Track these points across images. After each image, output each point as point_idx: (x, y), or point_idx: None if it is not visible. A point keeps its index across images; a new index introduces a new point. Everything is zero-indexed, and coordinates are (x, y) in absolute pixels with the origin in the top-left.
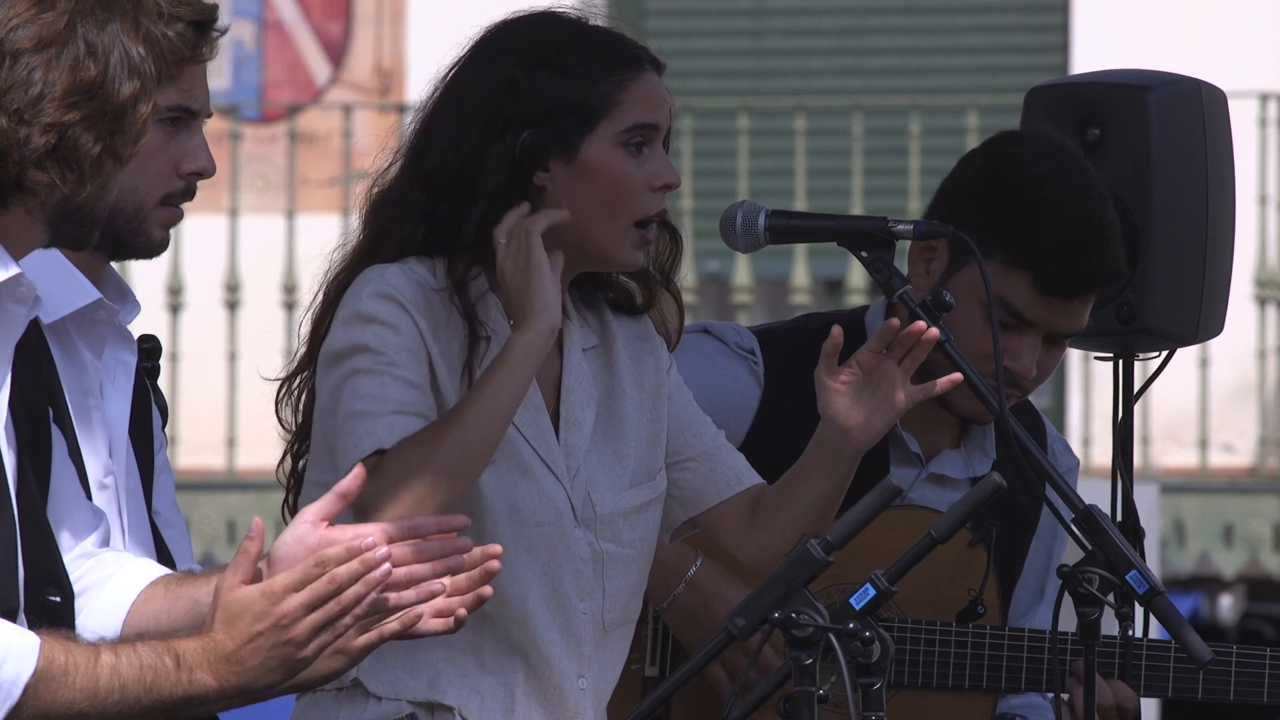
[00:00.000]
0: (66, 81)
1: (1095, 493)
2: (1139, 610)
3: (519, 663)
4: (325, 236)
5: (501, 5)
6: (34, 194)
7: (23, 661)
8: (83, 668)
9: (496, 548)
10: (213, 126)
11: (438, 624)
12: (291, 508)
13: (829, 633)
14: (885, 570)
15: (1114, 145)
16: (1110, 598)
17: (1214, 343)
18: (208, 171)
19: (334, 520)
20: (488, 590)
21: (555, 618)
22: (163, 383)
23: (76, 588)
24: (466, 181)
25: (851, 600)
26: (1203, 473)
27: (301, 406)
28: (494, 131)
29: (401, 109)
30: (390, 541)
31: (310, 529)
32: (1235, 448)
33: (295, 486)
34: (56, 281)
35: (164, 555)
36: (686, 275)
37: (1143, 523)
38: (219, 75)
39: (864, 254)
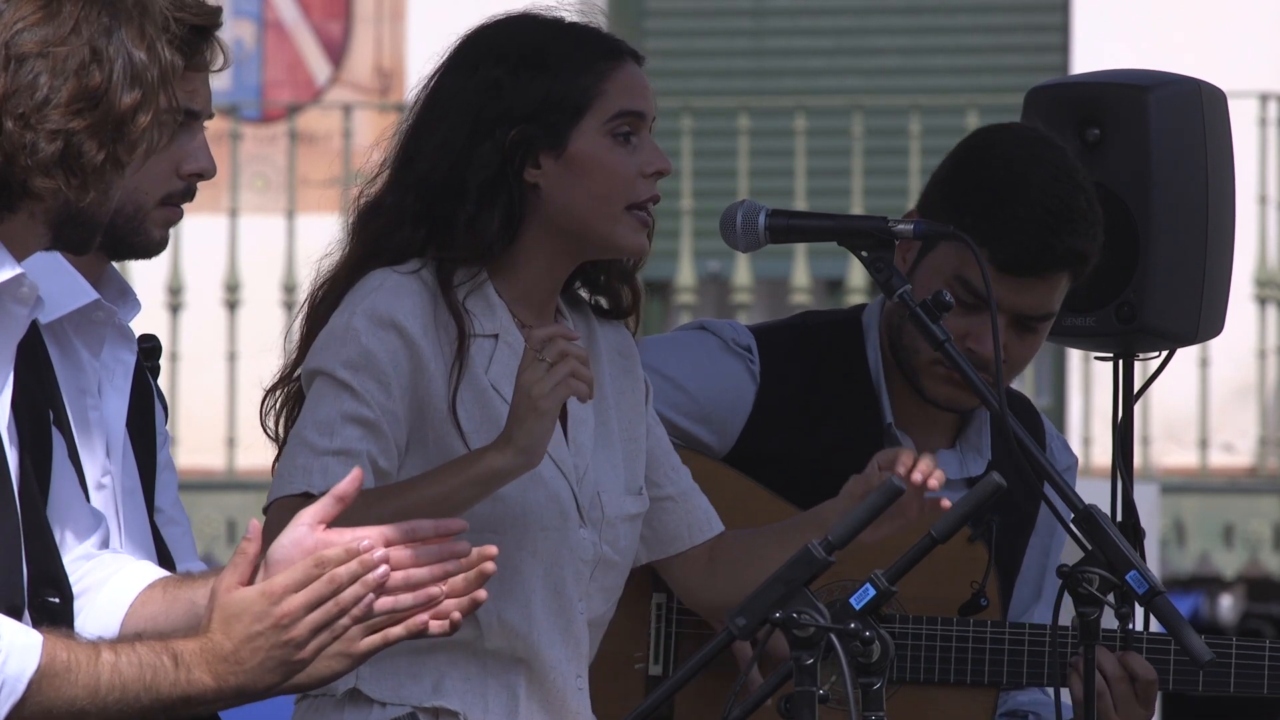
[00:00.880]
0: (72, 88)
1: (1095, 493)
2: (1139, 610)
3: (522, 666)
4: (325, 236)
5: (501, 5)
6: (39, 199)
7: (26, 658)
8: (84, 665)
9: (492, 549)
10: (213, 126)
11: (435, 625)
12: None
13: (830, 633)
14: (885, 570)
15: (1114, 145)
16: (1110, 598)
17: (1214, 343)
18: (208, 173)
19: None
20: (482, 594)
21: (557, 620)
22: (163, 383)
23: (75, 589)
24: (458, 183)
25: (852, 600)
26: (1203, 473)
27: (285, 418)
28: (481, 131)
29: (401, 109)
30: (388, 545)
31: (307, 531)
32: (1235, 448)
33: None
34: (54, 282)
35: (164, 554)
36: (686, 275)
37: (1143, 523)
38: (219, 75)
39: (864, 254)
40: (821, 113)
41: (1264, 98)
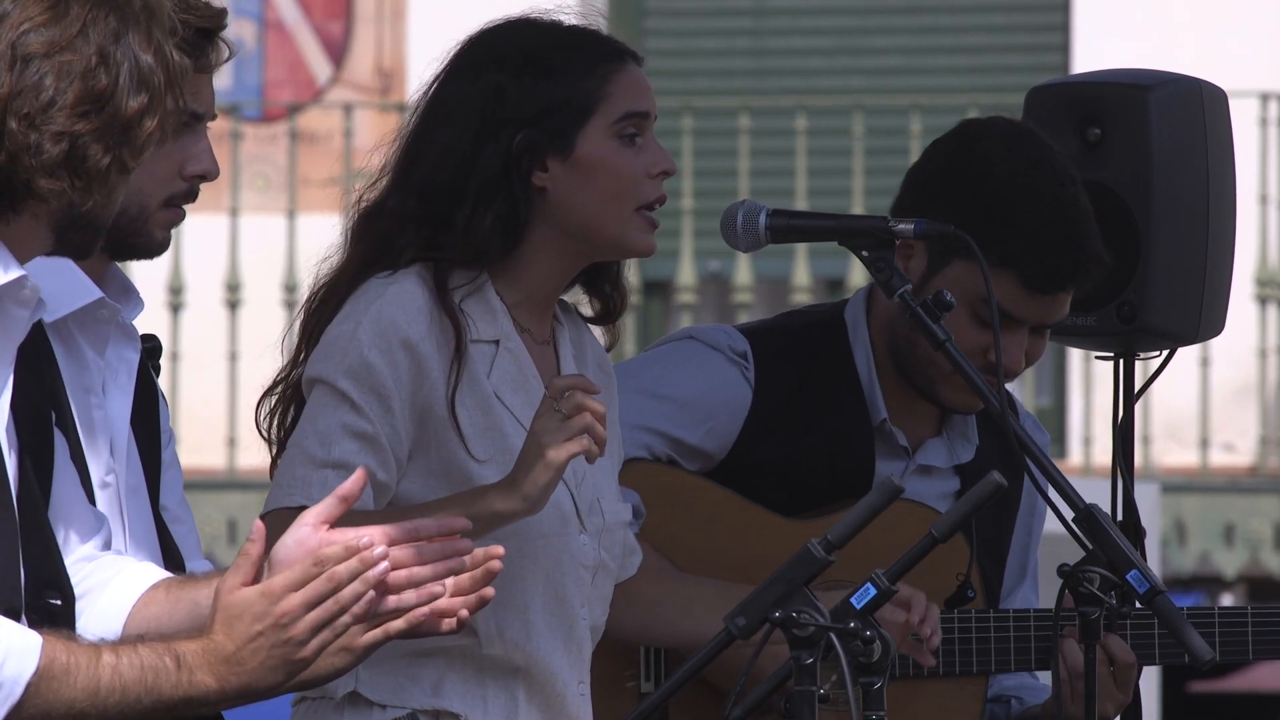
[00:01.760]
0: (78, 90)
1: (1096, 492)
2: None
3: (521, 674)
4: (326, 236)
5: (500, 6)
6: (43, 200)
7: (25, 660)
8: (84, 667)
9: (498, 549)
10: (213, 126)
11: (438, 624)
12: None
13: (830, 632)
14: (885, 570)
15: (1114, 145)
16: (1111, 597)
17: (1214, 342)
18: (211, 175)
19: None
20: (490, 592)
21: (558, 627)
22: (163, 383)
23: (77, 590)
24: (460, 188)
25: (852, 600)
26: (1203, 472)
27: (280, 422)
28: (485, 137)
29: (402, 109)
30: (390, 543)
31: (310, 531)
32: (1236, 447)
33: None
34: (58, 280)
35: (170, 552)
36: (687, 275)
37: (1143, 522)
38: (219, 75)
39: (865, 253)
40: (822, 112)
41: (1264, 98)
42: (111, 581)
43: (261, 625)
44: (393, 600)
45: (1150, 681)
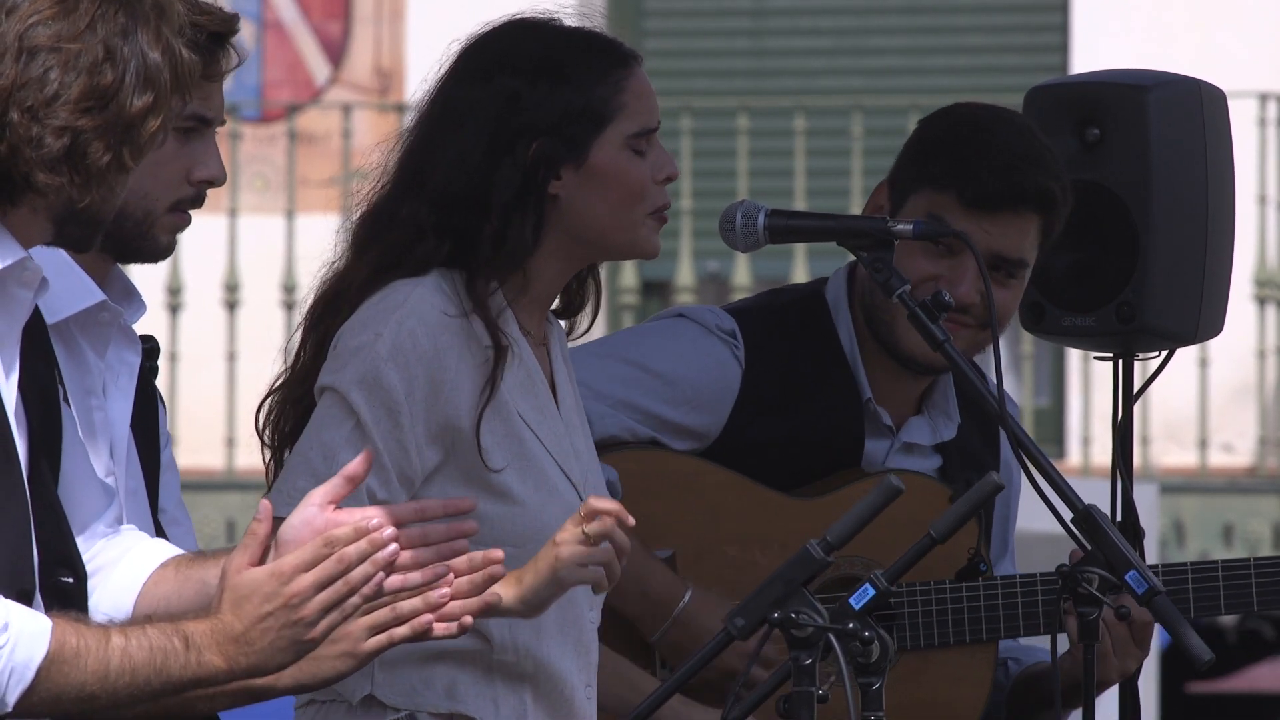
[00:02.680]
0: (83, 85)
1: (1095, 492)
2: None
3: (529, 679)
4: (325, 236)
5: (500, 6)
6: (41, 194)
7: (35, 644)
8: (94, 650)
9: (498, 553)
10: None
11: (441, 628)
12: None
13: (829, 632)
14: (885, 570)
15: (1114, 145)
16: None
17: (1214, 343)
18: (218, 180)
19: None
20: (494, 596)
21: (568, 631)
22: (162, 383)
23: (90, 567)
24: (477, 197)
25: (851, 600)
26: (1202, 473)
27: (278, 427)
28: (501, 145)
29: (401, 109)
30: (397, 524)
31: (317, 512)
32: (1235, 448)
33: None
34: (61, 282)
35: None
36: (686, 275)
37: (1142, 522)
38: None
39: (863, 253)
40: (821, 113)
41: (1264, 98)
42: (123, 559)
43: (271, 606)
44: (398, 579)
45: (1149, 681)
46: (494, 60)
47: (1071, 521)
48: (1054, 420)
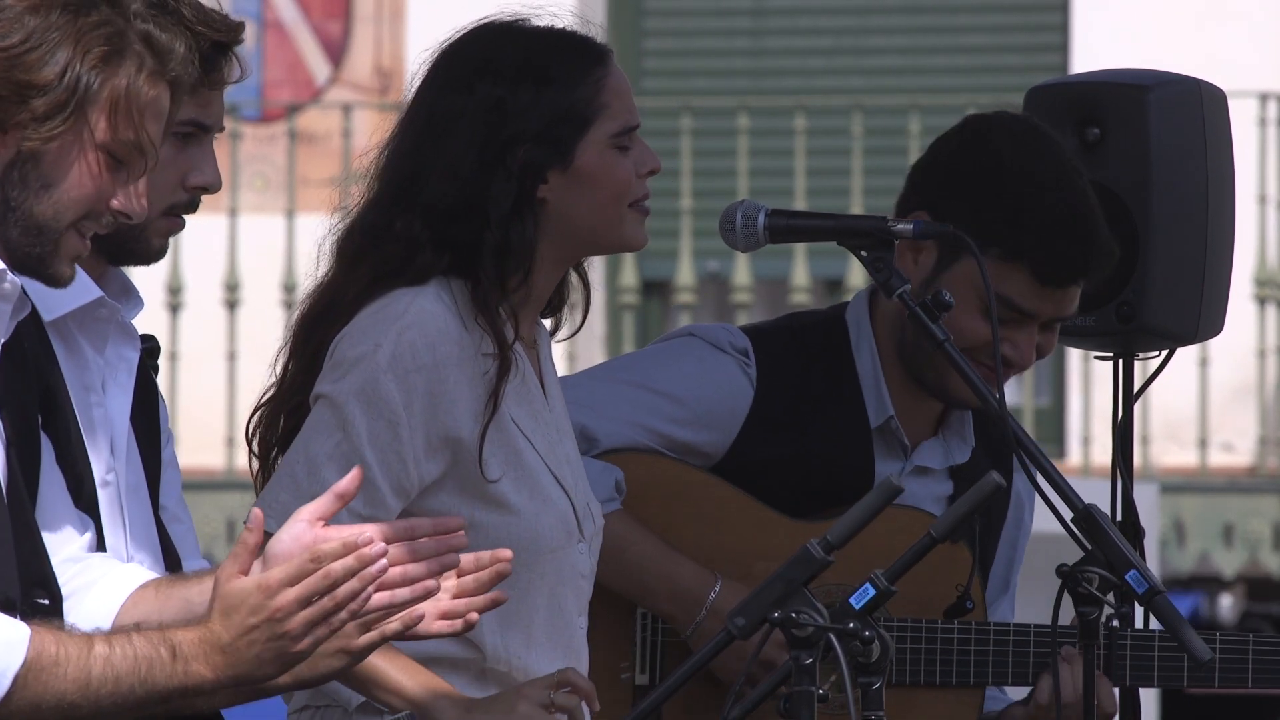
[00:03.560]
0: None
1: (1095, 492)
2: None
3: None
4: (325, 236)
5: (499, 5)
6: None
7: (12, 653)
8: (74, 659)
9: (506, 552)
10: None
11: (443, 625)
12: None
13: (829, 632)
14: (885, 570)
15: (1114, 145)
16: (1110, 597)
17: (1214, 342)
18: (213, 187)
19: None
20: (502, 595)
21: (558, 638)
22: (162, 382)
23: (64, 591)
24: (472, 208)
25: (851, 600)
26: (1202, 472)
27: (265, 439)
28: (492, 156)
29: (401, 109)
30: (386, 541)
31: (306, 527)
32: (1235, 447)
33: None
34: None
35: (169, 551)
36: (686, 275)
37: (1142, 522)
38: None
39: (864, 253)
40: (821, 112)
41: (1264, 98)
42: (98, 583)
43: (256, 618)
44: (385, 596)
45: None
46: (474, 67)
47: (1071, 521)
48: (1054, 420)
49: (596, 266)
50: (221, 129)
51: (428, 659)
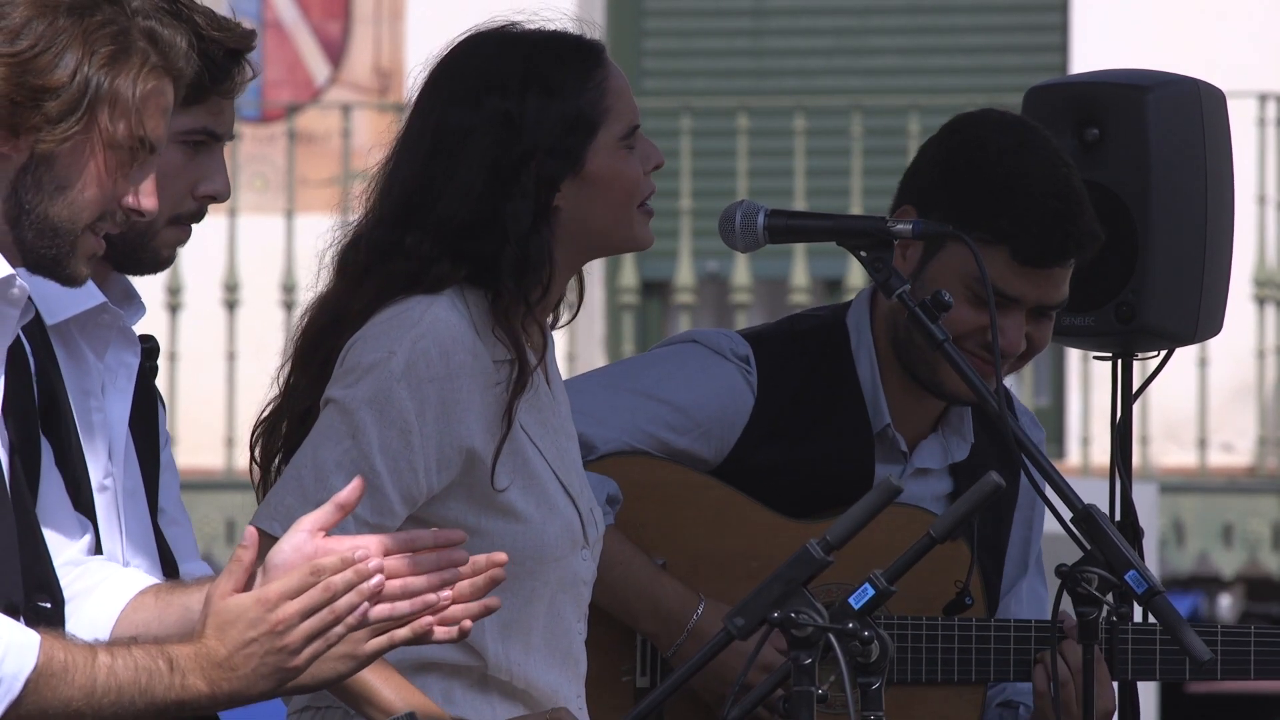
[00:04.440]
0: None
1: (1094, 492)
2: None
3: (522, 693)
4: (325, 237)
5: (499, 5)
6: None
7: (24, 657)
8: (81, 667)
9: (501, 556)
10: None
11: (441, 633)
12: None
13: (828, 632)
14: (884, 570)
15: (1113, 145)
16: (1109, 597)
17: (1213, 342)
18: (222, 196)
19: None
20: (495, 601)
21: (558, 645)
22: (162, 383)
23: (65, 594)
24: (486, 223)
25: (850, 600)
26: (1202, 472)
27: (267, 451)
28: (505, 174)
29: (400, 109)
30: (386, 554)
31: (307, 538)
32: (1234, 447)
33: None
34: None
35: (166, 556)
36: (685, 275)
37: (1142, 522)
38: None
39: (863, 254)
40: (821, 113)
41: (1264, 98)
42: (99, 587)
43: (255, 632)
44: (385, 609)
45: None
46: (476, 81)
47: (1071, 521)
48: (1053, 420)
49: (596, 267)
50: (232, 137)
51: (429, 664)
